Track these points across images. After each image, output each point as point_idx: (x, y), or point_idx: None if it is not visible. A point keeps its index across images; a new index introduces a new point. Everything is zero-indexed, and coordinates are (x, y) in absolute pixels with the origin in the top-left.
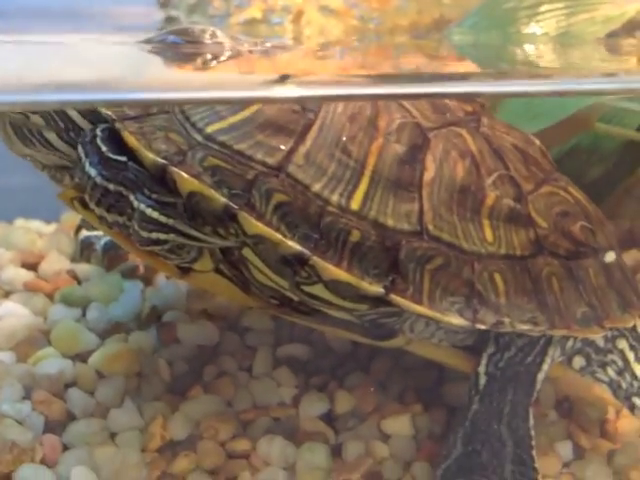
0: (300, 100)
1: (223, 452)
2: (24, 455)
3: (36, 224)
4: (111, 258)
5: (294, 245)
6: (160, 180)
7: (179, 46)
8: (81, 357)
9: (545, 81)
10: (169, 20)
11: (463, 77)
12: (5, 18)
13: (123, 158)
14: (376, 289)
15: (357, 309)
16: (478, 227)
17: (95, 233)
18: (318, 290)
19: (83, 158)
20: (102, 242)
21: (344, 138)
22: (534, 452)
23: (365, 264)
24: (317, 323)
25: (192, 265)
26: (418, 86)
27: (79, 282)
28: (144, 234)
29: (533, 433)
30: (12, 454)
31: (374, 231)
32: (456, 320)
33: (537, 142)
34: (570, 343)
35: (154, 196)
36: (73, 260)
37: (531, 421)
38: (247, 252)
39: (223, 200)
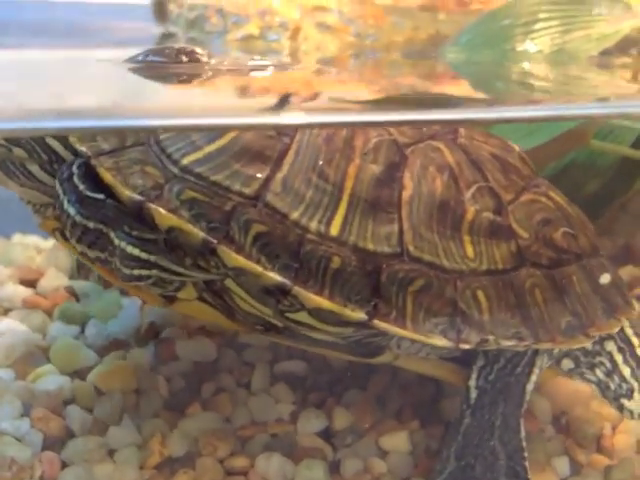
0: (297, 126)
1: (222, 469)
2: (23, 472)
3: (34, 239)
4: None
5: (275, 276)
6: (139, 216)
7: (157, 66)
8: (80, 374)
9: (538, 107)
10: (166, 36)
11: (458, 104)
12: None
13: (101, 196)
14: (359, 315)
15: (342, 333)
16: (459, 244)
17: None
18: (302, 317)
19: (61, 196)
20: None
21: (320, 162)
22: (527, 463)
23: (347, 290)
24: (304, 345)
25: (176, 294)
26: (414, 113)
27: (77, 299)
28: (126, 271)
29: (525, 444)
30: (11, 471)
31: (354, 256)
32: (440, 342)
33: (517, 148)
34: (557, 349)
35: (134, 233)
36: (71, 277)
37: (522, 432)
38: (229, 283)
39: (201, 235)
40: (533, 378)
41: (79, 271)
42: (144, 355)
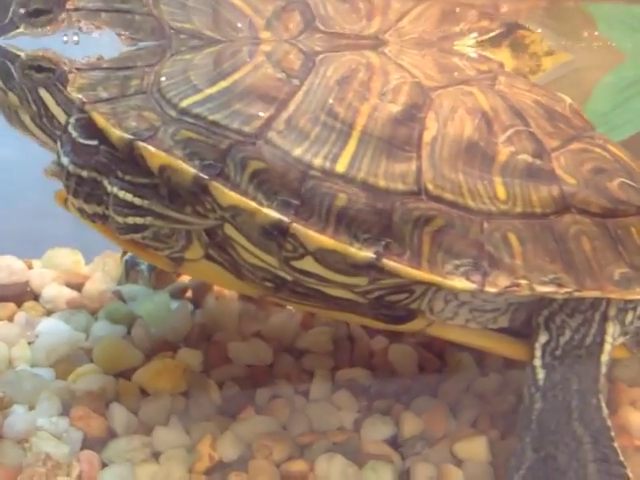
0: None
1: (277, 473)
2: (59, 469)
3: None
4: (158, 277)
5: (271, 213)
6: (132, 160)
7: None
8: (125, 374)
9: None
10: None
11: None
12: None
13: (94, 142)
14: (366, 255)
15: (356, 284)
16: (488, 185)
17: None
18: (308, 264)
19: (59, 150)
20: None
21: (331, 101)
22: (616, 444)
23: (354, 229)
24: (322, 306)
25: (183, 254)
26: None
27: (125, 302)
28: (120, 219)
29: (610, 423)
30: (46, 467)
31: (363, 194)
32: (461, 284)
33: (568, 100)
34: (629, 317)
35: (127, 178)
36: (119, 283)
37: (605, 410)
38: (229, 229)
39: (193, 171)
40: (607, 347)
41: (127, 276)
42: (194, 357)
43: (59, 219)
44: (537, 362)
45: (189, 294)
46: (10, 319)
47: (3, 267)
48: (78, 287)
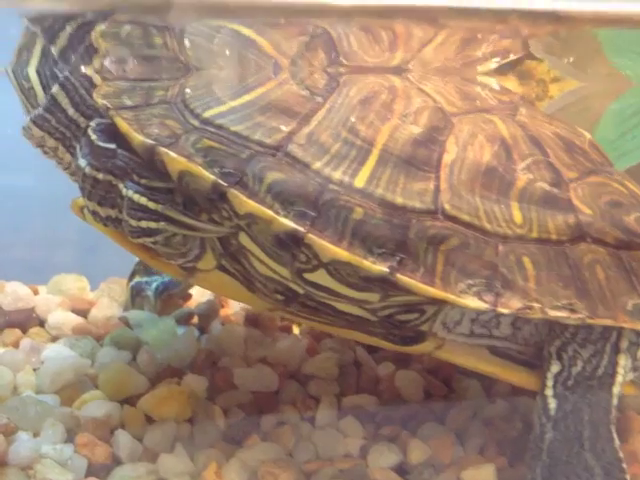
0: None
1: None
2: None
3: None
4: (164, 303)
5: (287, 222)
6: (150, 165)
7: None
8: (130, 401)
9: None
10: None
11: None
12: None
13: (112, 145)
14: (380, 269)
15: (367, 300)
16: (505, 209)
17: (146, 279)
18: (320, 277)
19: (77, 152)
20: (153, 286)
21: (353, 119)
22: (627, 477)
23: (369, 243)
24: (330, 323)
25: (196, 264)
26: None
27: (130, 327)
28: (133, 222)
29: (622, 455)
30: None
31: (380, 209)
32: (474, 303)
33: (588, 135)
34: None
35: (143, 181)
36: (125, 309)
37: (616, 441)
38: (243, 239)
39: (212, 178)
40: (619, 379)
41: (133, 302)
42: (199, 384)
43: (65, 246)
44: (549, 392)
45: (195, 320)
46: (15, 345)
47: (9, 293)
48: (84, 313)
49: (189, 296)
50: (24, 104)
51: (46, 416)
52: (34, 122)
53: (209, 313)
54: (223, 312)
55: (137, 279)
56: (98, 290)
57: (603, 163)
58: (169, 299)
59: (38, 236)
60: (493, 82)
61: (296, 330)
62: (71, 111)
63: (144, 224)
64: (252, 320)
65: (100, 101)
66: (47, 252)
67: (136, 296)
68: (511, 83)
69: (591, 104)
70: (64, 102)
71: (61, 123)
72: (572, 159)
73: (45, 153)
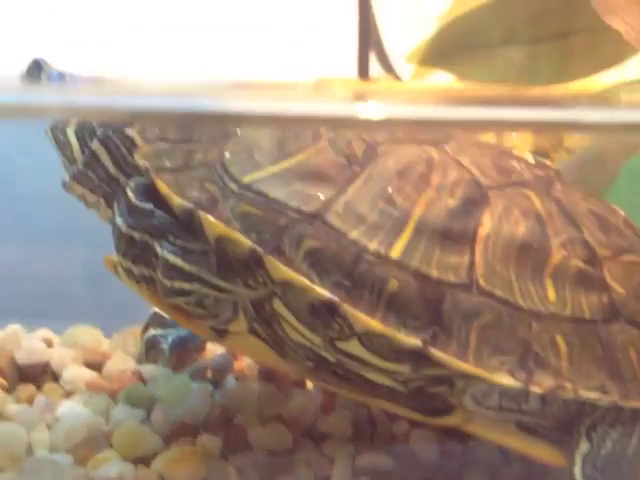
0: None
1: None
2: None
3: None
4: (179, 358)
5: (322, 292)
6: (188, 228)
7: None
8: (144, 460)
9: None
10: None
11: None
12: None
13: (150, 206)
14: (413, 342)
15: (398, 371)
16: (539, 285)
17: (162, 332)
18: (353, 347)
19: (115, 210)
20: (169, 340)
21: (390, 190)
22: None
23: (403, 315)
24: (359, 391)
25: (227, 326)
26: (520, 111)
27: (145, 383)
28: (167, 283)
29: None
30: None
31: (415, 282)
32: (506, 380)
33: (622, 213)
34: None
35: (178, 242)
36: (139, 361)
37: None
38: (277, 305)
39: (249, 244)
40: None
41: (147, 355)
42: (213, 443)
43: (79, 294)
44: (577, 472)
45: (209, 374)
46: (30, 401)
47: (24, 347)
48: (98, 366)
49: (203, 349)
50: (62, 159)
51: (61, 477)
52: (74, 178)
53: (223, 367)
54: (237, 365)
55: (152, 332)
56: (112, 341)
57: (637, 242)
58: (184, 353)
59: (53, 285)
60: (529, 155)
61: (310, 385)
62: (112, 169)
63: (178, 285)
64: (266, 374)
65: (141, 162)
66: (62, 300)
67: (150, 349)
68: (525, 135)
69: (608, 161)
70: (105, 159)
71: (102, 180)
72: (606, 236)
73: (88, 205)
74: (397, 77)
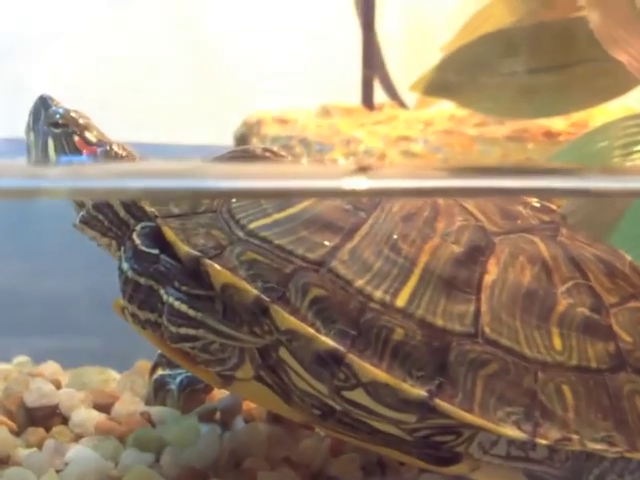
0: (378, 193)
1: None
2: None
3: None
4: (187, 399)
5: (328, 341)
6: (193, 274)
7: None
8: None
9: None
10: None
11: (557, 172)
12: None
13: (155, 251)
14: (419, 393)
15: (404, 421)
16: (544, 334)
17: (169, 372)
18: (358, 396)
19: (121, 254)
20: (177, 381)
21: (395, 236)
22: None
23: (408, 365)
24: (366, 439)
25: (234, 373)
26: (506, 180)
27: (153, 425)
28: (173, 329)
29: None
30: None
31: (420, 331)
32: (513, 432)
33: (628, 258)
34: None
35: (184, 289)
36: (147, 402)
37: None
38: (283, 353)
39: (255, 292)
40: None
41: (156, 396)
42: None
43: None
44: None
45: (217, 416)
46: (39, 445)
47: (33, 390)
48: (107, 408)
49: (211, 389)
50: (73, 204)
51: None
52: (83, 221)
53: (232, 408)
54: (245, 405)
55: (160, 372)
56: (120, 381)
57: None
58: (192, 394)
59: (60, 323)
60: (534, 200)
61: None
62: (122, 212)
63: (183, 330)
64: (274, 416)
65: (148, 209)
66: (71, 339)
67: (159, 390)
68: None
69: (615, 200)
70: (115, 203)
71: (113, 223)
72: (613, 283)
73: (100, 245)
74: (402, 105)
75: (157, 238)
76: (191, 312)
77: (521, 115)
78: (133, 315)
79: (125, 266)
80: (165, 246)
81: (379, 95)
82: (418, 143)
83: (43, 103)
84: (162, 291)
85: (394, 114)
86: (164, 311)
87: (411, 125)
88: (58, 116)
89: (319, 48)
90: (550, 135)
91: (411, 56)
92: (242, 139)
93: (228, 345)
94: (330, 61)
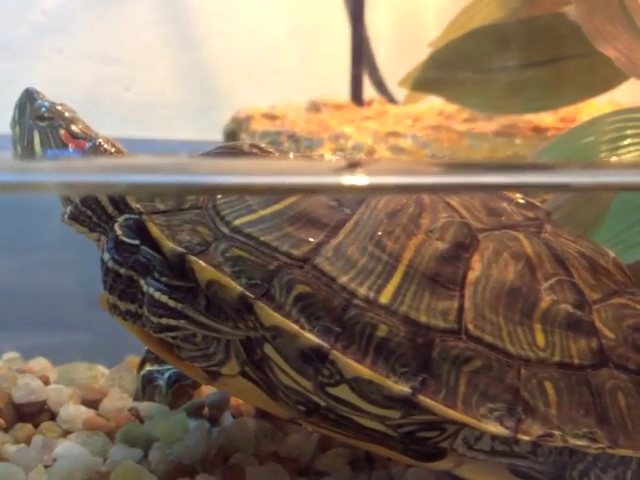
0: (370, 189)
1: None
2: None
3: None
4: (175, 394)
5: (312, 338)
6: (178, 268)
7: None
8: None
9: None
10: None
11: (547, 167)
12: None
13: (136, 242)
14: (402, 389)
15: (388, 417)
16: (528, 331)
17: (158, 368)
18: (343, 392)
19: (103, 246)
20: (165, 377)
21: (380, 233)
22: None
23: (392, 362)
24: (351, 435)
25: (220, 369)
26: (499, 176)
27: (142, 420)
28: (154, 319)
29: None
30: None
31: (404, 327)
32: (495, 429)
33: (612, 254)
34: None
35: (164, 279)
36: (136, 398)
37: None
38: (268, 349)
39: (239, 289)
40: None
41: (144, 392)
42: None
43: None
44: None
45: (206, 411)
46: (27, 441)
47: (21, 386)
48: (95, 404)
49: (199, 385)
50: (60, 199)
51: None
52: (71, 217)
53: (220, 404)
54: (234, 401)
55: (148, 368)
56: (108, 377)
57: (626, 283)
58: (180, 389)
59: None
60: (518, 197)
61: None
62: (110, 208)
63: (164, 321)
64: (262, 411)
65: (134, 205)
66: (61, 334)
67: (147, 385)
68: None
69: (600, 194)
70: (103, 199)
71: (101, 219)
72: (596, 279)
73: (89, 239)
74: (391, 100)
75: (140, 230)
76: (171, 302)
77: (509, 110)
78: (114, 306)
79: (106, 256)
80: (146, 238)
81: (368, 91)
82: (407, 139)
83: (29, 96)
84: (142, 282)
85: (383, 110)
86: (144, 302)
87: (400, 121)
88: (44, 109)
89: (308, 44)
90: (538, 130)
91: (400, 51)
92: (231, 135)
93: (211, 338)
94: (319, 57)
